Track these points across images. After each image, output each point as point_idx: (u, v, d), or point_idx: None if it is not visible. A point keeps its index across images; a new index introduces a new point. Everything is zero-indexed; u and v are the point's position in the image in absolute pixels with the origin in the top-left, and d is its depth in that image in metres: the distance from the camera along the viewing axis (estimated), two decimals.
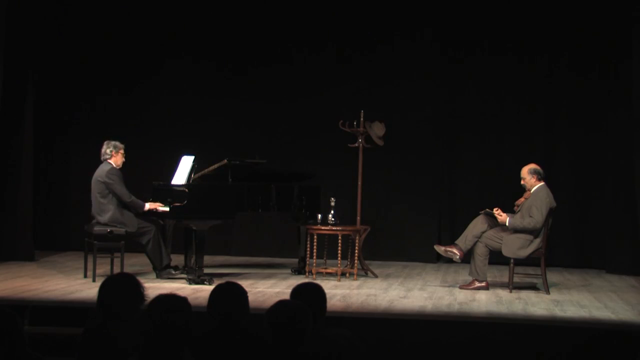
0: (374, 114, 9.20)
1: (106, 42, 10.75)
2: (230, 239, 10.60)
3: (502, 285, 8.40)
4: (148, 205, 8.36)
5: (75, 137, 10.85)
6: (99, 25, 10.72)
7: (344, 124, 9.02)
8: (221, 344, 3.81)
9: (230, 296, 3.93)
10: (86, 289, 7.68)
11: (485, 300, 7.62)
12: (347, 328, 4.01)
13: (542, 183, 8.25)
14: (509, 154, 10.31)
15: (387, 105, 10.23)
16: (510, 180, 9.14)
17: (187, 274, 8.34)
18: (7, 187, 9.80)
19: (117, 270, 7.95)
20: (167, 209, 8.29)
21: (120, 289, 3.81)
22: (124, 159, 8.43)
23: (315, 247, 8.64)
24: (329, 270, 8.81)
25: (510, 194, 8.88)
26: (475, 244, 8.27)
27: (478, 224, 8.34)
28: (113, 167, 8.32)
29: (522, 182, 8.33)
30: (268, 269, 9.53)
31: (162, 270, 8.37)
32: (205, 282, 8.03)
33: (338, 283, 8.50)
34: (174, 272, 8.41)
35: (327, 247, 9.18)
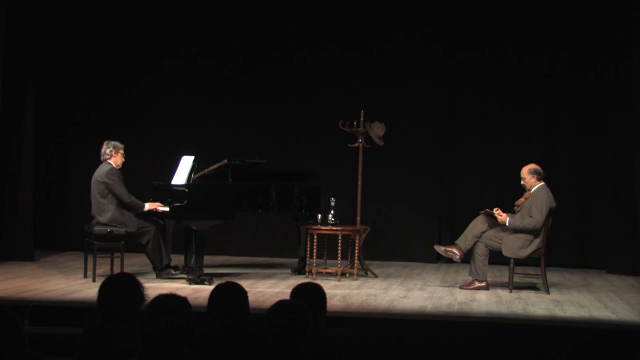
0: (374, 114, 9.20)
1: (106, 42, 10.76)
2: (230, 239, 10.60)
3: (502, 285, 8.40)
4: (147, 206, 8.36)
5: (75, 137, 10.86)
6: (99, 25, 10.72)
7: (344, 124, 9.02)
8: (221, 344, 3.81)
9: (230, 296, 3.93)
10: (86, 289, 7.68)
11: (485, 300, 7.62)
12: (347, 328, 4.01)
13: (542, 183, 8.25)
14: (509, 154, 10.32)
15: (387, 105, 10.23)
16: (510, 180, 9.15)
17: (187, 274, 8.34)
18: (7, 187, 9.80)
19: (117, 270, 7.95)
20: (167, 209, 8.29)
21: (120, 289, 3.81)
22: (123, 159, 8.44)
23: (315, 247, 8.64)
24: (329, 270, 8.81)
25: (510, 194, 8.89)
26: (475, 244, 8.27)
27: (478, 224, 8.34)
28: (113, 167, 8.32)
29: (522, 182, 8.33)
30: (268, 269, 9.53)
31: (162, 270, 8.37)
32: (205, 282, 8.03)
33: (338, 283, 8.50)
34: (174, 272, 8.41)
35: (327, 247, 9.18)
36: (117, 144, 8.41)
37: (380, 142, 9.10)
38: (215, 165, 8.46)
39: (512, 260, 8.17)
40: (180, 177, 8.53)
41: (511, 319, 6.78)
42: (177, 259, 8.79)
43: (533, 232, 8.15)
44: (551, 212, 8.18)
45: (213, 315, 3.90)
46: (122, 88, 10.82)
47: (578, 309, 7.32)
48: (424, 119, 10.49)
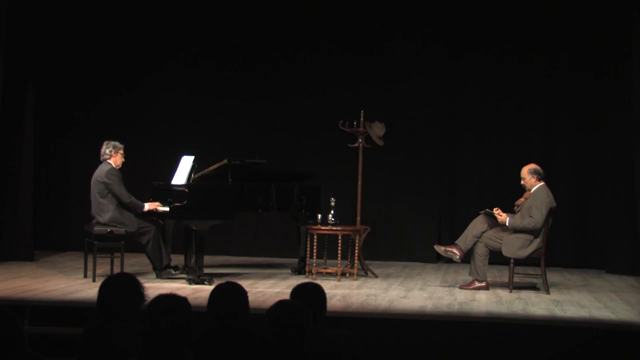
0: (374, 114, 9.20)
1: (106, 42, 10.76)
2: (230, 239, 10.60)
3: (502, 285, 8.40)
4: (147, 206, 8.36)
5: (75, 137, 10.86)
6: (99, 25, 10.72)
7: (344, 124, 9.02)
8: (221, 344, 3.81)
9: (230, 296, 3.93)
10: (86, 289, 7.68)
11: (485, 300, 7.62)
12: (347, 328, 4.01)
13: (542, 183, 8.25)
14: (509, 154, 10.32)
15: (387, 105, 10.23)
16: (510, 180, 9.15)
17: (187, 274, 8.33)
18: (7, 187, 9.80)
19: (117, 270, 7.95)
20: (166, 209, 8.29)
21: (120, 289, 3.81)
22: (123, 159, 8.43)
23: (315, 247, 8.64)
24: (329, 270, 8.81)
25: (510, 194, 8.89)
26: (475, 244, 8.27)
27: (478, 224, 8.34)
28: (112, 168, 8.32)
29: (522, 182, 8.32)
30: (268, 269, 9.53)
31: (162, 270, 8.37)
32: (205, 282, 8.03)
33: (338, 283, 8.50)
34: (174, 272, 8.41)
35: (327, 247, 9.18)
36: (117, 144, 8.41)
37: (380, 142, 9.10)
38: (215, 165, 8.45)
39: (512, 260, 8.17)
40: (180, 177, 8.53)
41: (511, 319, 6.78)
42: (177, 259, 8.79)
43: (533, 232, 8.15)
44: (551, 212, 8.18)
45: (213, 315, 3.90)
46: (122, 88, 10.82)
47: (578, 309, 7.32)
48: (424, 119, 10.49)
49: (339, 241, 8.60)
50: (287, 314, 3.51)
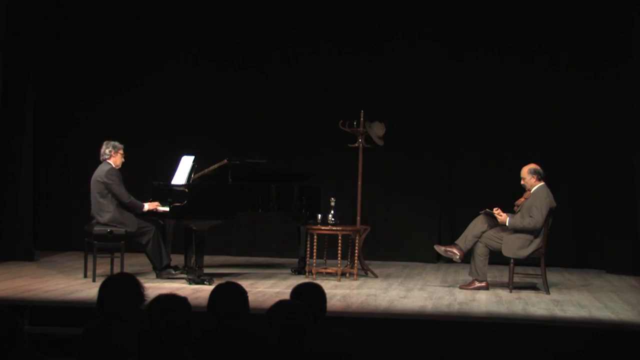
0: (374, 114, 9.20)
1: (106, 42, 10.75)
2: (230, 239, 10.59)
3: (502, 285, 8.40)
4: (147, 206, 8.36)
5: (75, 137, 10.86)
6: (99, 25, 10.72)
7: (344, 124, 9.02)
8: (221, 344, 3.81)
9: (230, 296, 3.93)
10: (86, 289, 7.68)
11: (485, 300, 7.62)
12: (347, 328, 4.01)
13: (542, 183, 8.25)
14: (509, 154, 10.32)
15: (387, 105, 10.23)
16: (510, 180, 9.15)
17: (187, 274, 8.33)
18: (7, 187, 9.80)
19: (117, 270, 7.95)
20: (166, 209, 8.28)
21: (120, 289, 3.81)
22: (123, 159, 8.43)
23: (315, 247, 8.64)
24: (329, 270, 8.81)
25: (510, 194, 8.89)
26: (475, 244, 8.27)
27: (478, 224, 8.34)
28: (112, 168, 8.32)
29: (522, 182, 8.32)
30: (268, 269, 9.53)
31: (162, 270, 8.37)
32: (205, 282, 8.03)
33: (338, 283, 8.50)
34: (174, 272, 8.41)
35: (327, 247, 9.18)
36: (117, 144, 8.41)
37: (380, 142, 9.10)
38: (215, 165, 8.45)
39: (512, 260, 8.17)
40: (180, 177, 8.52)
41: (511, 319, 6.78)
42: (177, 259, 8.79)
43: (533, 232, 8.15)
44: (551, 212, 8.18)
45: (213, 315, 3.90)
46: (122, 88, 10.81)
47: (578, 309, 7.32)
48: (424, 119, 10.49)
49: (339, 241, 8.60)
50: (287, 314, 3.51)
